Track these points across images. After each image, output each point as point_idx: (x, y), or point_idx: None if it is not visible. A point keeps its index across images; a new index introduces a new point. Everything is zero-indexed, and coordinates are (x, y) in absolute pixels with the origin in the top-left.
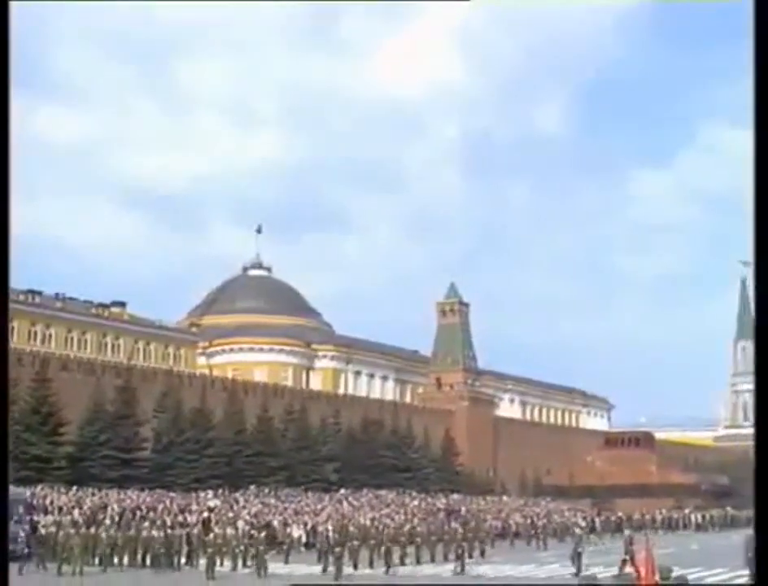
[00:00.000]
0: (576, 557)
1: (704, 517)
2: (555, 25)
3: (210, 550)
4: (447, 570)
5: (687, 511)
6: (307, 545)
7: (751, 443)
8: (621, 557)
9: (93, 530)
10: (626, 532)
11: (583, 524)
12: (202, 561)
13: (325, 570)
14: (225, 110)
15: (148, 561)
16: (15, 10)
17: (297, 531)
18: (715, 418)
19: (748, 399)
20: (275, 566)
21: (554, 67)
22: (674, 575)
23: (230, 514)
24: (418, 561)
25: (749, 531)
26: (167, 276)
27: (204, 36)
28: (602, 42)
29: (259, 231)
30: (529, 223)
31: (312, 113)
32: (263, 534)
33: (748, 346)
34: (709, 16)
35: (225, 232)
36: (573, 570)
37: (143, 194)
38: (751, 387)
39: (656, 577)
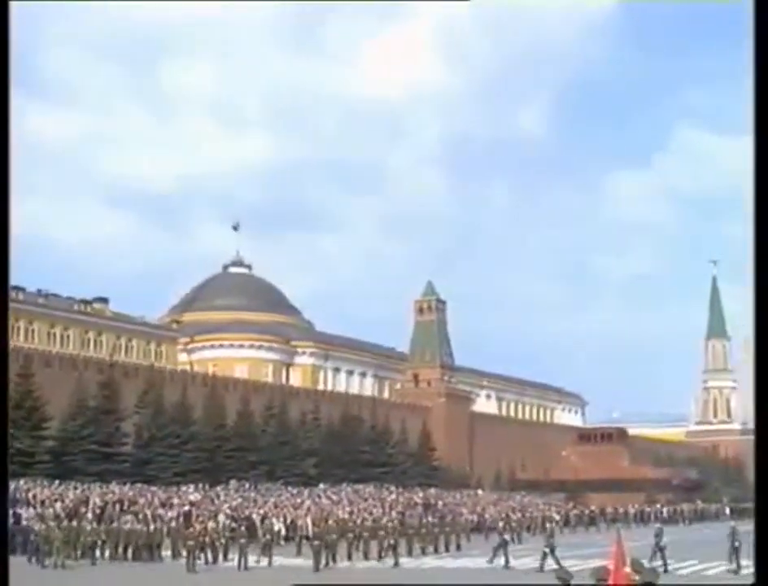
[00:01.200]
0: (549, 553)
1: (674, 510)
2: (534, 28)
3: (191, 543)
4: (424, 562)
5: (658, 505)
6: (287, 539)
7: (720, 438)
8: (596, 550)
9: (74, 523)
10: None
11: (557, 518)
12: (184, 555)
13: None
14: (211, 110)
15: (129, 555)
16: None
17: (277, 525)
18: (686, 415)
19: (718, 396)
20: (254, 559)
21: (533, 70)
22: (645, 567)
23: (211, 508)
24: (395, 555)
25: (732, 524)
26: (150, 273)
27: (191, 37)
28: (580, 45)
29: (235, 228)
30: (507, 223)
31: (295, 114)
32: (243, 527)
33: (718, 344)
34: (685, 20)
35: (209, 230)
36: (550, 562)
37: (128, 193)
38: (720, 384)
39: (627, 570)
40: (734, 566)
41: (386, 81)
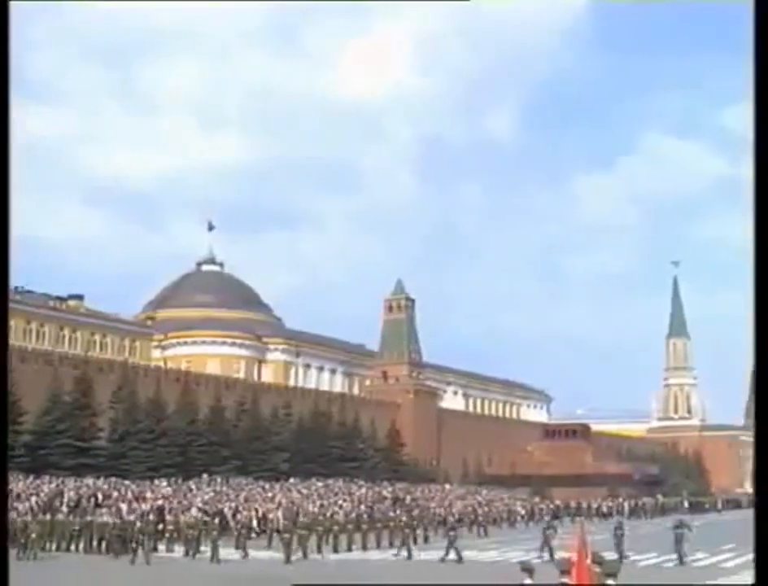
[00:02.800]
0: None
1: (636, 504)
2: (507, 33)
3: (165, 536)
4: (392, 555)
5: (620, 499)
6: (259, 532)
7: (680, 434)
8: (560, 542)
9: (49, 516)
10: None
11: (523, 512)
12: (159, 547)
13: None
14: (190, 110)
15: (103, 547)
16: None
17: (248, 518)
18: (648, 411)
19: (679, 393)
20: (226, 552)
21: (506, 73)
22: (606, 560)
23: (183, 502)
24: (364, 547)
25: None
26: (126, 271)
27: (171, 38)
28: (551, 50)
29: (210, 228)
30: (477, 223)
31: (272, 114)
32: (216, 520)
33: (679, 342)
34: (654, 25)
35: (185, 229)
36: (514, 555)
37: (106, 192)
38: (681, 381)
39: (588, 562)
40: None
41: (362, 83)
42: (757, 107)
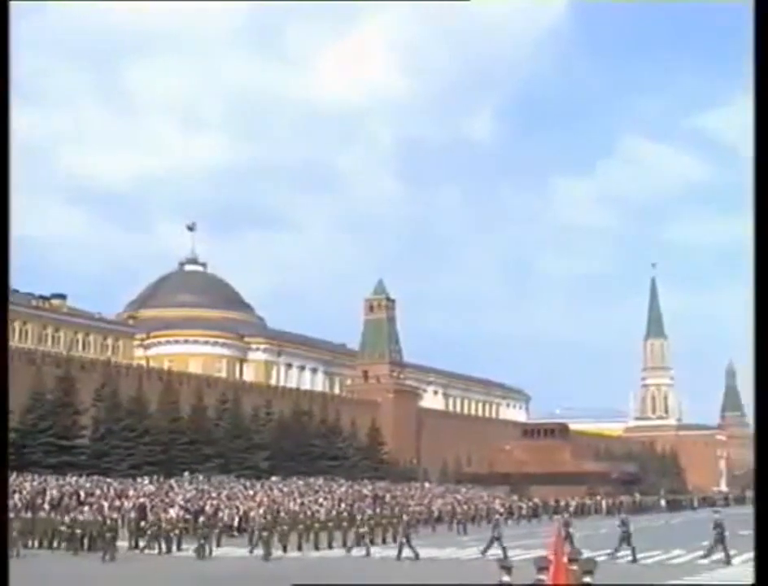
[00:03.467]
0: (494, 541)
1: (613, 503)
2: (486, 36)
3: (147, 534)
4: (372, 552)
5: (598, 497)
6: (240, 530)
7: (657, 433)
8: (538, 540)
9: (31, 514)
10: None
11: (501, 510)
12: (140, 545)
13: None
14: (172, 112)
15: (85, 545)
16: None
17: (229, 516)
18: (625, 411)
19: (656, 392)
20: (208, 549)
21: (485, 76)
22: (583, 557)
23: (165, 500)
24: (345, 545)
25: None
26: (108, 271)
27: (153, 39)
28: (531, 53)
29: (191, 229)
30: (456, 224)
31: (253, 116)
32: (196, 518)
33: (656, 343)
34: (633, 30)
35: (167, 229)
36: (497, 553)
37: (88, 191)
38: (658, 381)
39: (565, 559)
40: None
41: (343, 85)
42: (757, 106)
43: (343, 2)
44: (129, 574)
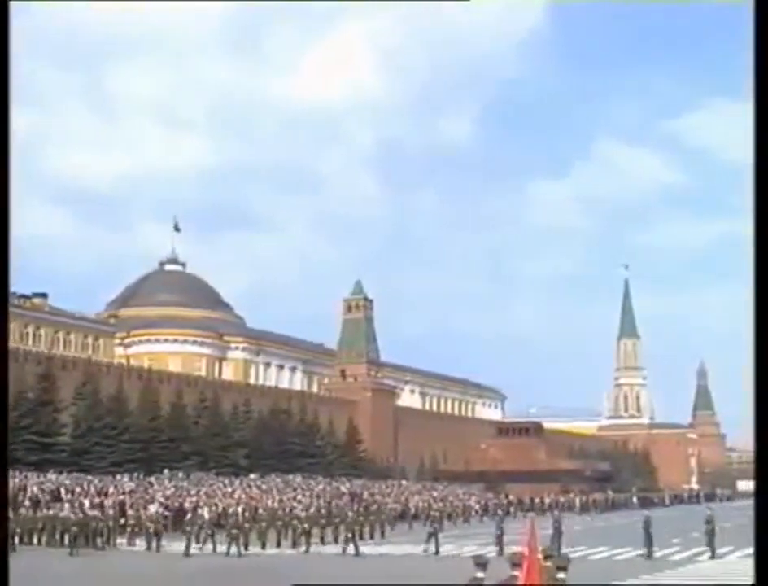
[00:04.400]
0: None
1: (587, 500)
2: (466, 41)
3: (127, 531)
4: (349, 549)
5: (572, 495)
6: (218, 526)
7: (629, 432)
8: (512, 537)
9: (11, 512)
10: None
11: (477, 507)
12: (119, 541)
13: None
14: (154, 113)
15: (66, 542)
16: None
17: (208, 513)
18: (599, 410)
19: (629, 392)
20: (186, 545)
21: (464, 81)
22: (556, 554)
23: (145, 497)
24: (322, 541)
25: (646, 512)
26: (90, 270)
27: (136, 41)
28: (509, 58)
29: (176, 229)
30: (434, 226)
31: (235, 118)
32: (176, 515)
33: (629, 343)
34: (609, 36)
35: (148, 229)
36: (469, 549)
37: (71, 192)
38: (631, 381)
39: (539, 556)
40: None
41: (322, 87)
42: (756, 106)
43: (324, 4)
44: (102, 570)
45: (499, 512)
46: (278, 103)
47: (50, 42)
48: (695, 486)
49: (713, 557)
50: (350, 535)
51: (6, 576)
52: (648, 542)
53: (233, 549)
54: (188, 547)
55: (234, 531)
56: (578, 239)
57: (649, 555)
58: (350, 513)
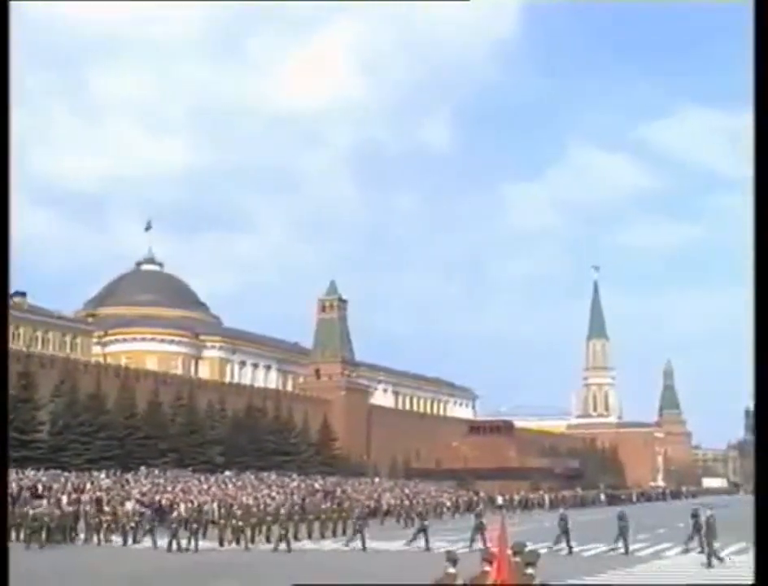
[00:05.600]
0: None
1: (556, 497)
2: (444, 47)
3: (103, 527)
4: (323, 545)
5: (541, 492)
6: (194, 522)
7: (598, 431)
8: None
9: None
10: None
11: (449, 504)
12: (96, 538)
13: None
14: (135, 114)
15: (43, 537)
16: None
17: (184, 510)
18: (568, 409)
19: (597, 391)
20: (163, 542)
21: (442, 85)
22: (527, 549)
23: (121, 493)
24: (296, 538)
25: (619, 509)
26: (69, 269)
27: (119, 43)
28: (486, 65)
29: (148, 228)
30: (411, 227)
31: (215, 120)
32: (151, 512)
33: (598, 343)
34: (583, 44)
35: (127, 229)
36: (440, 544)
37: (51, 192)
38: (599, 380)
39: (509, 551)
40: (620, 546)
41: (302, 91)
42: (756, 107)
43: (305, 9)
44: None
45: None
46: (258, 105)
47: (32, 43)
48: (661, 483)
49: (702, 551)
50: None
51: (6, 575)
52: (624, 537)
53: (210, 545)
54: (170, 543)
55: (199, 525)
56: (550, 241)
57: (626, 551)
58: (329, 510)
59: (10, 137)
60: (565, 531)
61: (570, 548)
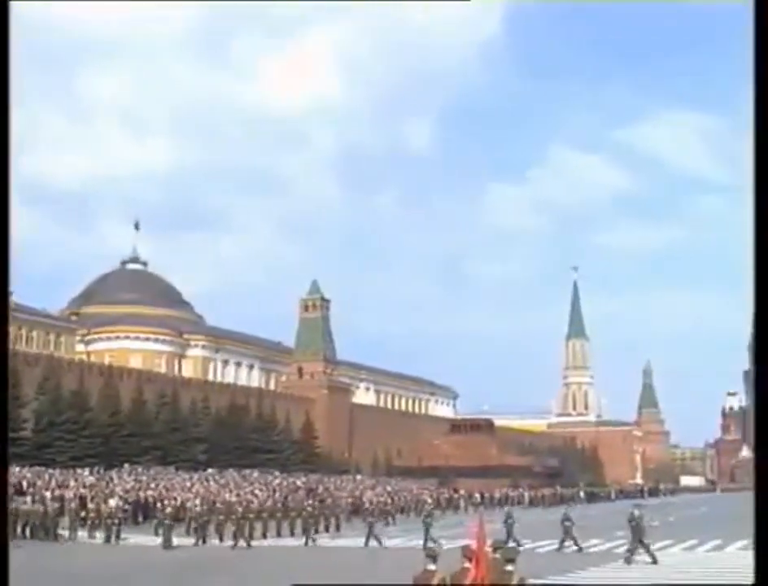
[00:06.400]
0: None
1: (536, 495)
2: (426, 50)
3: (87, 523)
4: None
5: (521, 490)
6: (177, 519)
7: (577, 429)
8: (463, 530)
9: None
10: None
11: (430, 501)
12: (80, 534)
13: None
14: (120, 115)
15: (27, 534)
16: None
17: (167, 507)
18: (548, 407)
19: (577, 390)
20: (147, 539)
21: (424, 88)
22: (505, 546)
23: (105, 490)
24: (279, 534)
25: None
26: (54, 268)
27: (105, 45)
28: (468, 68)
29: (136, 228)
30: (393, 228)
31: (200, 122)
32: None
33: (578, 343)
34: (563, 48)
35: (112, 229)
36: (419, 542)
37: (36, 191)
38: (579, 380)
39: (488, 548)
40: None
41: (286, 93)
42: (756, 106)
43: (288, 11)
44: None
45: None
46: (242, 107)
47: (16, 43)
48: (639, 481)
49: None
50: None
51: (5, 575)
52: (570, 536)
53: (191, 541)
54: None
55: (193, 523)
56: (530, 242)
57: (560, 548)
58: (308, 508)
59: (10, 138)
60: (509, 530)
61: (517, 543)
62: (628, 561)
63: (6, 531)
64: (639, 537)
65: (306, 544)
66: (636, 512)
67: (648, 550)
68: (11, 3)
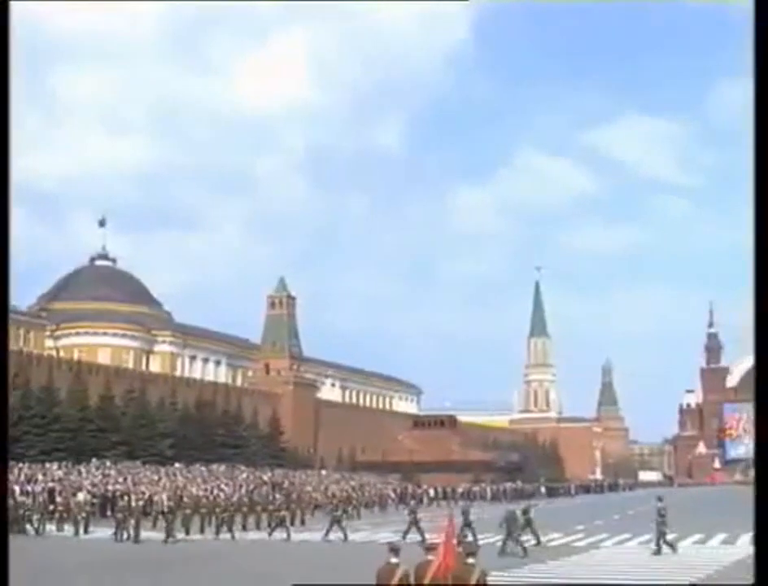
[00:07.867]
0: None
1: (498, 489)
2: (397, 53)
3: (55, 517)
4: (272, 536)
5: (483, 484)
6: (144, 513)
7: (539, 426)
8: (427, 524)
9: None
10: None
11: (393, 496)
12: (48, 527)
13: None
14: (92, 114)
15: None
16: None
17: (136, 501)
18: (510, 404)
19: (538, 388)
20: (113, 531)
21: (393, 91)
22: (465, 541)
23: (73, 485)
24: (245, 528)
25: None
26: (23, 264)
27: (78, 44)
28: (437, 71)
29: (102, 224)
30: (361, 228)
31: (173, 121)
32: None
33: (539, 342)
34: (531, 52)
35: (83, 227)
36: (383, 535)
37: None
38: (540, 377)
39: (454, 542)
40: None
41: (258, 94)
42: (756, 106)
43: (261, 11)
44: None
45: (412, 502)
46: (214, 107)
47: None
48: (599, 476)
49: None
50: (274, 523)
51: (6, 574)
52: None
53: (159, 535)
54: (116, 533)
55: (169, 516)
56: (495, 242)
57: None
58: (277, 501)
59: (10, 138)
60: (468, 524)
61: (475, 538)
62: (657, 552)
63: (7, 530)
64: (662, 529)
65: (270, 536)
66: (660, 504)
67: (666, 542)
68: (11, 3)
